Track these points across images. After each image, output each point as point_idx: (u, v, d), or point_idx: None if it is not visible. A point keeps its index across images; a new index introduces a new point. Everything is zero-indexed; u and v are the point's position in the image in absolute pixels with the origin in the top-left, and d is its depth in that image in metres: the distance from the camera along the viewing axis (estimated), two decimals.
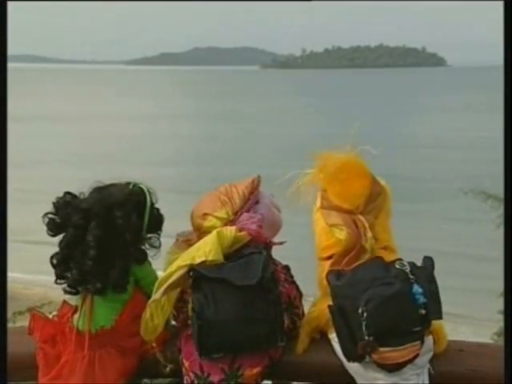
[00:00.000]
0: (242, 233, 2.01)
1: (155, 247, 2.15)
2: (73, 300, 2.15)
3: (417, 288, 1.89)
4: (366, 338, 1.86)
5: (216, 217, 2.11)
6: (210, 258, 1.94)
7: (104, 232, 2.03)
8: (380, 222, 2.12)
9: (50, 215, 2.08)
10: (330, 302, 1.97)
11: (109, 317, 2.09)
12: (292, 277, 2.16)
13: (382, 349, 1.87)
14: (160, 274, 2.04)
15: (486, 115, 48.35)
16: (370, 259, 2.02)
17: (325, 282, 2.02)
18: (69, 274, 2.05)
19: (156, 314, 1.99)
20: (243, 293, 1.89)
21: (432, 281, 1.93)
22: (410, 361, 1.91)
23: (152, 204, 2.14)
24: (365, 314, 1.85)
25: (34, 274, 14.75)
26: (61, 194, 2.12)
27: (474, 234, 18.25)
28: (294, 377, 2.16)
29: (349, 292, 1.92)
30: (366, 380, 1.97)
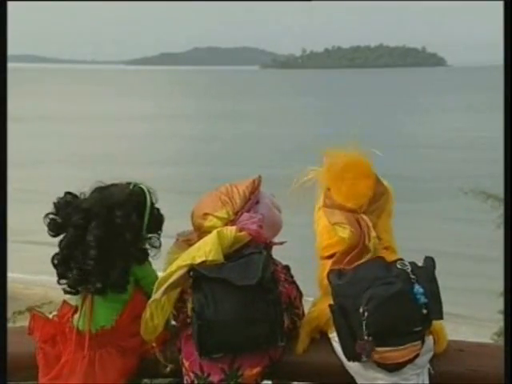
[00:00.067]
0: (242, 233, 2.01)
1: (155, 247, 2.15)
2: (73, 300, 2.15)
3: (418, 288, 1.89)
4: (365, 337, 1.86)
5: (216, 217, 2.11)
6: (210, 258, 1.94)
7: (104, 232, 2.03)
8: (382, 222, 2.13)
9: (51, 215, 2.08)
10: (331, 302, 1.97)
11: (109, 317, 2.09)
12: (292, 277, 2.15)
13: (382, 348, 1.88)
14: (160, 274, 2.04)
15: (485, 115, 48.37)
16: (372, 259, 2.03)
17: (325, 281, 2.02)
18: (70, 274, 2.05)
19: (156, 314, 1.99)
20: (243, 293, 1.90)
21: (433, 281, 1.93)
22: (411, 361, 1.91)
23: (152, 204, 2.14)
24: (365, 314, 1.86)
25: (34, 274, 14.76)
26: (61, 194, 2.12)
27: (474, 234, 18.25)
28: (294, 377, 2.16)
29: (350, 291, 1.93)
30: (366, 380, 1.97)
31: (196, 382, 1.98)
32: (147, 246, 2.14)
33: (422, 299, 1.88)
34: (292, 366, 2.08)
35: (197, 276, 1.93)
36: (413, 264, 1.96)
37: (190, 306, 1.99)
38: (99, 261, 2.02)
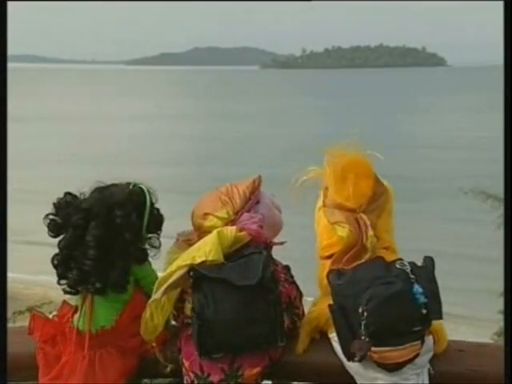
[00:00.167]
0: (242, 233, 2.01)
1: (155, 247, 2.15)
2: (73, 300, 2.15)
3: (417, 288, 1.89)
4: (363, 337, 1.86)
5: (217, 216, 2.11)
6: (210, 258, 1.94)
7: (104, 232, 2.04)
8: (382, 222, 2.13)
9: (51, 216, 2.08)
10: (331, 302, 1.98)
11: (109, 317, 2.09)
12: (292, 277, 2.15)
13: (381, 348, 1.88)
14: (160, 274, 2.04)
15: (485, 115, 48.34)
16: (371, 259, 2.03)
17: (325, 281, 2.02)
18: (69, 274, 2.05)
19: (156, 314, 1.99)
20: (243, 293, 1.90)
21: (432, 281, 1.93)
22: (410, 360, 1.92)
23: (152, 204, 2.14)
24: (365, 314, 1.86)
25: (34, 274, 14.75)
26: (61, 195, 2.12)
27: (473, 235, 18.24)
28: (294, 377, 2.17)
29: (349, 291, 1.93)
30: (366, 380, 1.97)
31: (196, 382, 1.98)
32: (147, 246, 2.15)
33: (422, 299, 1.88)
34: (292, 366, 2.08)
35: (197, 276, 1.93)
36: (412, 264, 1.97)
37: (189, 306, 1.99)
38: (99, 261, 2.02)
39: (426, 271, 1.94)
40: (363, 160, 2.16)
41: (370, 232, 2.04)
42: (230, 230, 2.01)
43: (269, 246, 2.07)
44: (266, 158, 32.12)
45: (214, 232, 2.00)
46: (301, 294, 2.16)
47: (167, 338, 2.10)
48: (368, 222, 2.06)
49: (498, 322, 9.37)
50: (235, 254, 1.99)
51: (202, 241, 2.02)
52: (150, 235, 2.15)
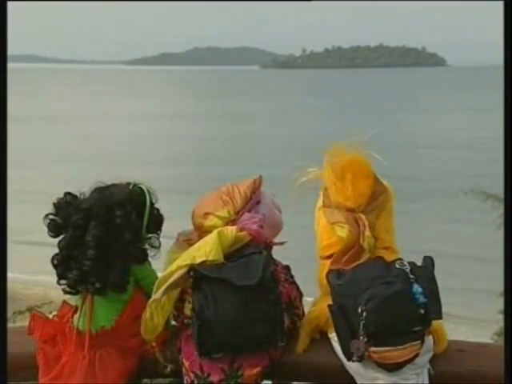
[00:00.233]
0: (243, 233, 2.01)
1: (155, 247, 2.15)
2: (73, 300, 2.15)
3: (417, 288, 1.89)
4: (361, 337, 1.86)
5: (217, 216, 2.11)
6: (210, 258, 1.94)
7: (103, 232, 2.04)
8: (382, 221, 2.13)
9: (51, 216, 2.08)
10: (331, 302, 1.98)
11: (109, 317, 2.09)
12: (292, 277, 2.16)
13: (381, 348, 1.88)
14: (160, 274, 2.04)
15: (485, 115, 48.31)
16: (371, 259, 2.03)
17: (325, 281, 2.03)
18: (69, 275, 2.05)
19: (156, 314, 1.99)
20: (243, 293, 1.90)
21: (432, 280, 1.93)
22: (410, 360, 1.92)
23: (152, 204, 2.14)
24: (364, 314, 1.86)
25: (34, 274, 14.75)
26: (61, 195, 2.12)
27: (473, 235, 18.24)
28: (294, 377, 2.17)
29: (349, 291, 1.93)
30: (365, 380, 1.98)
31: (196, 381, 1.99)
32: (147, 246, 2.15)
33: (421, 299, 1.88)
34: (292, 366, 2.08)
35: (197, 276, 1.94)
36: (412, 264, 1.97)
37: (190, 306, 1.99)
38: (98, 261, 2.02)
39: (425, 271, 1.94)
40: (362, 160, 2.16)
41: (367, 233, 2.05)
42: (231, 230, 2.01)
43: (269, 246, 2.07)
44: (266, 157, 32.11)
45: (215, 232, 2.00)
46: (301, 294, 2.16)
47: (167, 338, 2.10)
48: (366, 223, 2.06)
49: (498, 322, 9.37)
50: (235, 253, 1.99)
51: (202, 241, 2.02)
52: (149, 235, 2.15)
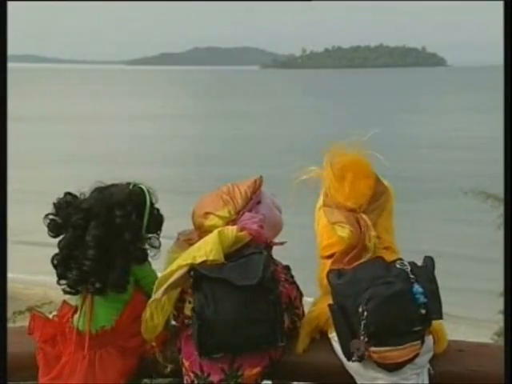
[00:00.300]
0: (243, 232, 2.01)
1: (155, 247, 2.15)
2: (73, 300, 2.15)
3: (417, 287, 1.89)
4: (362, 337, 1.86)
5: (218, 216, 2.11)
6: (210, 258, 1.94)
7: (103, 232, 2.04)
8: (382, 222, 2.12)
9: (51, 216, 2.08)
10: (331, 301, 1.98)
11: (109, 317, 2.09)
12: (292, 277, 2.15)
13: (381, 348, 1.88)
14: (160, 274, 2.04)
15: (485, 115, 48.33)
16: (371, 259, 2.03)
17: (325, 281, 2.02)
18: (69, 275, 2.05)
19: (156, 314, 1.99)
20: (243, 293, 1.90)
21: (432, 280, 1.93)
22: (410, 360, 1.92)
23: (152, 204, 2.14)
24: (365, 313, 1.86)
25: (34, 274, 14.75)
26: (61, 195, 2.12)
27: (473, 235, 18.24)
28: (294, 377, 2.17)
29: (349, 291, 1.93)
30: (365, 379, 1.97)
31: (196, 381, 1.99)
32: (147, 247, 2.15)
33: (422, 299, 1.88)
34: (292, 366, 2.08)
35: (197, 276, 1.93)
36: (412, 264, 1.97)
37: (190, 306, 1.99)
38: (98, 261, 2.02)
39: (426, 271, 1.94)
40: (363, 160, 2.15)
41: (373, 232, 2.04)
42: (231, 230, 2.01)
43: (269, 246, 2.07)
44: (265, 157, 32.11)
45: (215, 232, 2.00)
46: (301, 294, 2.16)
47: (167, 338, 2.10)
48: (369, 223, 2.05)
49: (498, 322, 9.37)
50: (236, 253, 1.99)
51: (202, 240, 2.02)
52: (149, 235, 2.15)
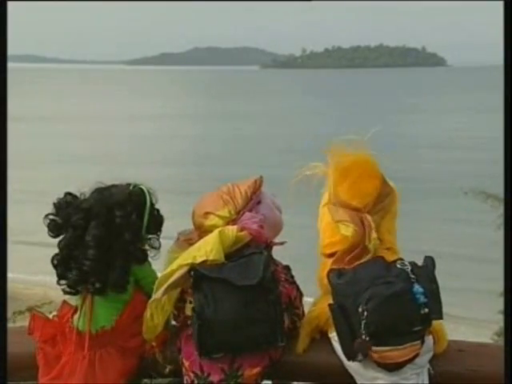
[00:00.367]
0: (243, 232, 2.01)
1: (155, 248, 2.15)
2: (73, 300, 2.15)
3: (417, 287, 1.89)
4: (363, 337, 1.86)
5: (218, 215, 2.11)
6: (211, 258, 1.94)
7: (103, 232, 2.04)
8: (386, 223, 2.12)
9: (51, 216, 2.08)
10: (331, 301, 1.97)
11: (109, 317, 2.09)
12: (293, 277, 2.15)
13: (382, 348, 1.88)
14: (160, 274, 2.04)
15: (485, 115, 48.32)
16: (372, 258, 2.02)
17: (325, 280, 2.02)
18: (69, 275, 2.05)
19: (156, 314, 1.99)
20: (243, 293, 1.90)
21: (433, 280, 1.93)
22: (410, 360, 1.92)
23: (152, 205, 2.14)
24: (365, 313, 1.86)
25: (34, 274, 14.75)
26: (61, 195, 2.12)
27: (473, 235, 18.23)
28: (294, 377, 2.17)
29: (350, 290, 1.93)
30: (365, 379, 1.98)
31: (196, 381, 1.99)
32: (147, 247, 2.14)
33: (422, 299, 1.88)
34: (292, 366, 2.08)
35: (197, 276, 1.93)
36: (412, 264, 1.97)
37: (190, 305, 1.99)
38: (98, 261, 2.02)
39: (426, 271, 1.94)
40: (370, 160, 2.14)
41: (374, 234, 2.03)
42: (232, 230, 2.01)
43: (269, 246, 2.07)
44: (265, 158, 32.10)
45: (216, 231, 2.00)
46: (301, 294, 2.16)
47: (167, 338, 2.10)
48: (373, 224, 2.05)
49: (498, 322, 9.36)
50: (236, 253, 1.99)
51: (202, 240, 2.02)
52: (149, 236, 2.15)
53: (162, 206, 2.18)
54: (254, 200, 2.16)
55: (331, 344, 2.05)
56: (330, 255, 2.11)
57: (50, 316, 2.17)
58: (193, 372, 1.99)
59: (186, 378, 2.02)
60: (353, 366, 1.98)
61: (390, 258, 2.03)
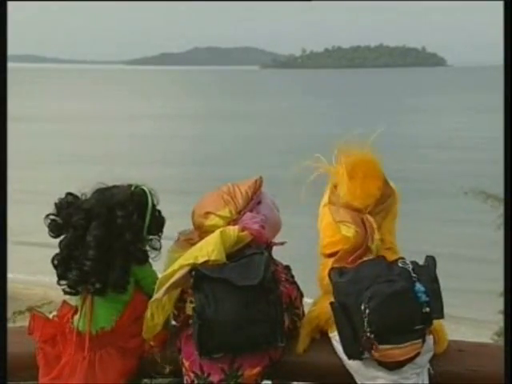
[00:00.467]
0: (244, 233, 2.01)
1: (156, 249, 2.15)
2: (73, 300, 2.15)
3: (419, 286, 1.89)
4: (368, 334, 1.86)
5: (219, 215, 2.11)
6: (212, 258, 1.94)
7: (104, 232, 2.03)
8: (387, 224, 2.12)
9: (52, 216, 2.08)
10: (332, 300, 1.97)
11: (109, 317, 2.09)
12: (293, 277, 2.15)
13: (383, 346, 1.88)
14: (161, 275, 2.04)
15: (486, 115, 48.31)
16: (373, 258, 2.03)
17: (326, 280, 2.02)
18: (69, 275, 2.05)
19: (157, 314, 1.99)
20: (244, 293, 1.90)
21: (434, 280, 1.93)
22: (411, 359, 1.92)
23: (153, 205, 2.14)
24: (367, 311, 1.86)
25: (34, 274, 14.76)
26: (61, 195, 2.12)
27: (473, 235, 18.22)
28: (294, 377, 2.17)
29: (351, 289, 1.93)
30: (366, 379, 1.98)
31: (196, 381, 1.99)
32: (147, 248, 2.14)
33: (423, 298, 1.88)
34: (292, 366, 2.08)
35: (198, 276, 1.93)
36: (414, 263, 1.97)
37: (191, 305, 1.99)
38: (99, 261, 2.02)
39: (427, 270, 1.94)
40: (374, 160, 2.14)
41: (377, 235, 2.03)
42: (233, 230, 2.01)
43: (269, 247, 2.07)
44: (266, 158, 32.08)
45: (217, 232, 2.00)
46: (301, 295, 2.16)
47: (167, 338, 2.10)
48: (375, 225, 2.05)
49: (498, 322, 9.36)
50: (237, 253, 1.99)
51: (204, 240, 2.02)
52: (151, 237, 2.15)
53: (161, 206, 2.18)
54: (254, 200, 2.16)
55: (331, 344, 2.05)
56: (330, 255, 2.11)
57: (50, 316, 2.17)
58: (193, 372, 1.99)
59: (186, 378, 2.02)
60: (353, 366, 1.98)
61: (390, 257, 2.03)
